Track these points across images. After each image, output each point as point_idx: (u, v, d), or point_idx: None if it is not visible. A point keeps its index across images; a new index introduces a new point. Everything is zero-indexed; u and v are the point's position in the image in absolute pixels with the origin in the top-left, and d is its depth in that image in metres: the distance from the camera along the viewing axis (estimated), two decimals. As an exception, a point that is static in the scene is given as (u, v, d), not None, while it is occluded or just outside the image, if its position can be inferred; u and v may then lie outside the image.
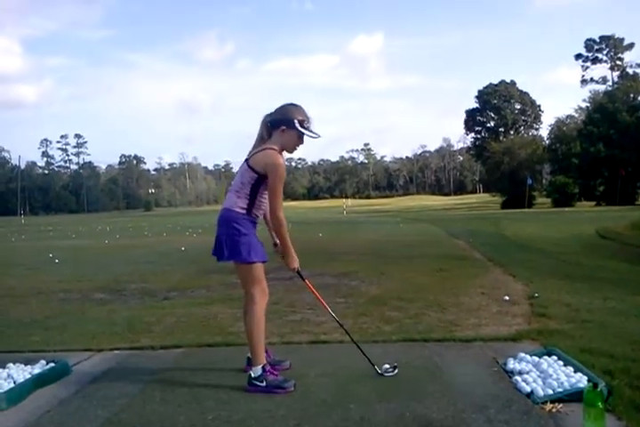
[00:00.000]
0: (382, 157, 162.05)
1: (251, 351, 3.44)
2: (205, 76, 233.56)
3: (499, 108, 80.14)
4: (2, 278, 9.53)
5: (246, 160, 3.46)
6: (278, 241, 3.58)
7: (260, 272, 3.49)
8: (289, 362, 3.75)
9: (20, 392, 3.29)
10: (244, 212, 3.42)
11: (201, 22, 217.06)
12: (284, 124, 3.42)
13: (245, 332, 3.50)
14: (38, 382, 3.48)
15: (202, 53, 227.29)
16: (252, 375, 3.33)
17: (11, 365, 3.71)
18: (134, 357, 4.18)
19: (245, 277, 3.50)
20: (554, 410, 2.82)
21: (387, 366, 3.51)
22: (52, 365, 3.74)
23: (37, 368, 3.68)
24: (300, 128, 3.41)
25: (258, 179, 3.38)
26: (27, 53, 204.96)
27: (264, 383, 3.30)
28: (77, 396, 3.31)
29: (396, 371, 3.48)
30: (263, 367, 3.36)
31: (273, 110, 3.52)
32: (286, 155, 3.56)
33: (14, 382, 3.40)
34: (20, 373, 3.57)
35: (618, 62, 73.17)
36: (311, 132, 3.46)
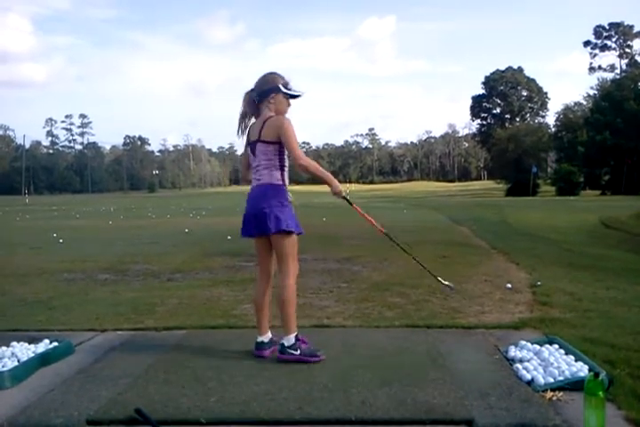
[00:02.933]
0: (387, 143, 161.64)
1: (284, 321, 3.54)
2: (212, 57, 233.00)
3: (505, 94, 79.80)
4: (6, 258, 9.58)
5: (256, 141, 3.55)
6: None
7: (297, 246, 3.58)
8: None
9: (23, 371, 3.31)
10: (280, 183, 3.56)
11: (210, 2, 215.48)
12: (272, 92, 3.57)
13: (278, 304, 3.56)
14: (42, 360, 3.50)
15: (209, 35, 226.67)
16: (286, 344, 3.46)
17: (15, 343, 3.73)
18: (137, 337, 4.20)
19: (287, 249, 3.53)
20: (554, 398, 2.83)
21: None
22: (56, 344, 3.77)
23: (41, 347, 3.70)
24: (285, 91, 3.59)
25: (279, 147, 3.52)
26: (34, 32, 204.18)
27: (298, 351, 3.45)
28: (80, 375, 3.33)
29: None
30: (296, 336, 3.48)
31: (253, 86, 3.64)
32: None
33: (18, 361, 3.42)
34: (24, 351, 3.59)
35: (627, 50, 72.61)
36: (295, 91, 3.65)
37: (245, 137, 3.70)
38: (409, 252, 4.08)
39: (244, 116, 3.69)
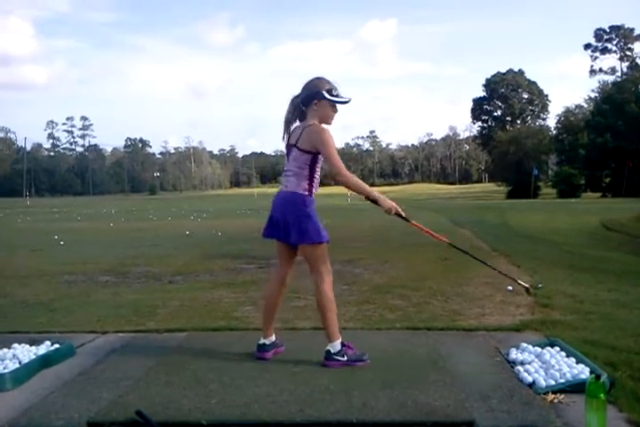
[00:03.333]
0: (388, 145, 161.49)
1: (325, 328, 3.52)
2: (212, 60, 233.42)
3: (506, 97, 79.77)
4: (7, 260, 9.59)
5: (294, 145, 3.52)
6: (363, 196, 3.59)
7: (326, 252, 3.54)
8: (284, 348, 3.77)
9: (25, 373, 3.31)
10: (307, 193, 3.51)
11: (210, 5, 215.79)
12: (315, 99, 3.49)
13: (318, 310, 3.57)
14: (43, 362, 3.50)
15: (209, 37, 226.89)
16: (332, 351, 3.43)
17: (16, 345, 3.73)
18: (139, 339, 4.20)
19: (315, 257, 3.51)
20: (555, 401, 2.83)
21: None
22: (57, 346, 3.77)
23: (42, 349, 3.70)
24: (329, 97, 3.48)
25: (313, 158, 3.48)
26: (35, 35, 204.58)
27: (345, 358, 3.43)
28: (82, 377, 3.33)
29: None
30: (342, 342, 3.47)
31: (299, 91, 3.58)
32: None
33: (19, 363, 3.42)
34: (26, 353, 3.59)
35: (627, 53, 72.59)
36: (341, 97, 3.54)
37: (285, 137, 3.67)
38: (482, 259, 3.96)
39: (287, 123, 3.62)
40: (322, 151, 3.43)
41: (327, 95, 3.47)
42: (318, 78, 3.56)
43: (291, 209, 3.49)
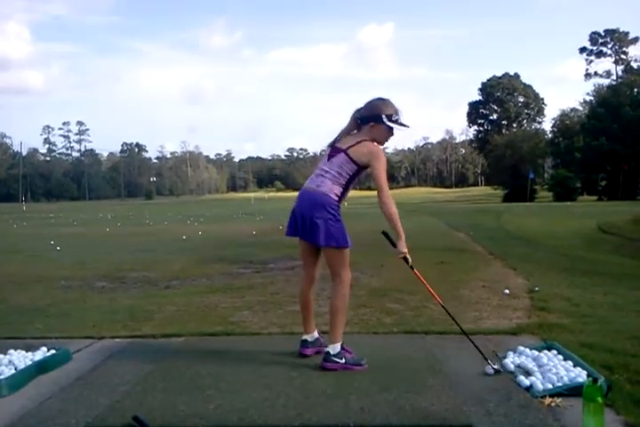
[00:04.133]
0: (384, 149, 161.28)
1: (331, 328, 3.54)
2: (209, 64, 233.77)
3: (502, 100, 79.96)
4: (3, 265, 9.57)
5: (343, 151, 3.51)
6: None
7: (348, 256, 3.58)
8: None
9: (21, 379, 3.30)
10: (337, 199, 3.53)
11: (207, 10, 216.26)
12: (372, 121, 3.51)
13: (330, 311, 3.59)
14: (39, 368, 3.49)
15: (207, 42, 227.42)
16: (331, 352, 3.45)
17: (12, 351, 3.72)
18: (135, 345, 4.18)
19: (337, 260, 3.55)
20: (553, 404, 2.83)
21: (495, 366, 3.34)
22: (54, 352, 3.75)
23: (39, 355, 3.68)
24: (388, 123, 3.50)
25: (357, 170, 3.51)
26: (32, 40, 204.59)
27: (343, 360, 3.44)
28: (78, 383, 3.32)
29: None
30: (341, 345, 3.49)
31: (362, 105, 3.59)
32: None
33: (15, 369, 3.40)
34: (22, 359, 3.57)
35: (622, 56, 72.90)
36: (401, 124, 3.55)
37: (332, 141, 3.66)
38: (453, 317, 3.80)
39: (345, 133, 3.63)
40: (376, 170, 3.44)
41: (386, 121, 3.49)
42: (383, 100, 3.57)
43: (321, 211, 3.48)
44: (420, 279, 3.65)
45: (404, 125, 3.57)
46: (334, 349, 3.46)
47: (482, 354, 3.41)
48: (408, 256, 3.54)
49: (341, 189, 3.53)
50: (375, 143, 3.52)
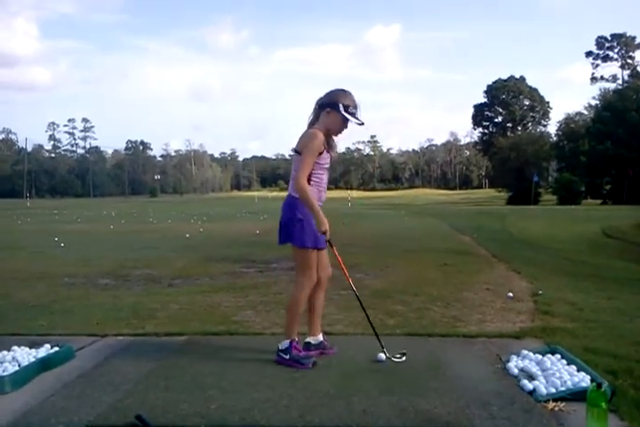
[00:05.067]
0: (388, 150, 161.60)
1: (285, 326, 3.67)
2: (216, 63, 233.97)
3: (507, 103, 79.92)
4: (7, 262, 9.58)
5: (295, 150, 3.58)
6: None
7: (313, 258, 3.59)
8: (336, 349, 3.83)
9: (24, 376, 3.30)
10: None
11: (214, 9, 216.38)
12: (329, 107, 3.54)
13: (286, 309, 3.73)
14: (43, 365, 3.50)
15: (213, 40, 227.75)
16: (280, 347, 3.59)
17: (15, 348, 3.73)
18: (138, 343, 4.19)
19: (298, 261, 3.63)
20: (556, 409, 2.82)
21: (397, 355, 3.56)
22: (57, 349, 3.76)
23: (42, 352, 3.69)
24: (343, 112, 3.51)
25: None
26: (39, 37, 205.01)
27: (287, 356, 3.54)
28: (81, 381, 3.32)
29: (404, 358, 3.55)
30: (290, 342, 3.56)
31: (323, 94, 3.63)
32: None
33: (19, 366, 3.41)
34: (25, 356, 3.58)
35: (629, 61, 72.80)
36: (355, 118, 3.56)
37: None
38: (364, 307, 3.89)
39: (310, 125, 3.65)
40: (302, 155, 3.46)
41: (342, 110, 3.50)
42: (344, 91, 3.60)
43: (286, 212, 3.57)
44: (337, 259, 3.67)
45: (358, 120, 3.56)
46: (283, 345, 3.59)
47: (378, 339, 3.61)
48: (327, 233, 3.50)
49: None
50: (316, 131, 3.50)
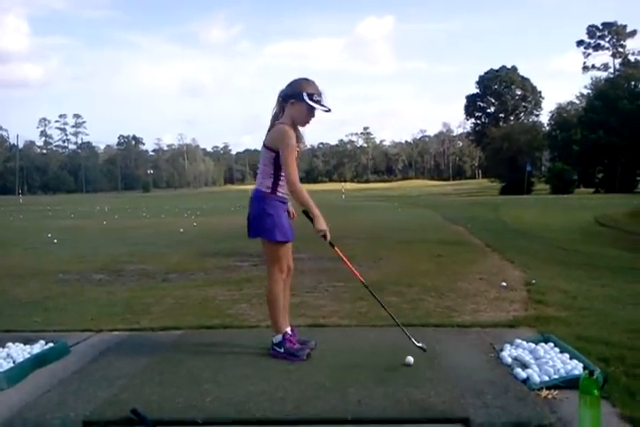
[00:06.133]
0: (382, 142, 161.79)
1: (272, 321, 3.67)
2: (207, 57, 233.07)
3: (499, 93, 79.94)
4: (1, 258, 9.55)
5: (263, 144, 3.55)
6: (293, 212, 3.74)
7: (283, 252, 3.59)
8: (314, 342, 3.76)
9: (19, 372, 3.30)
10: (269, 191, 3.53)
11: (205, 3, 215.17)
12: (293, 98, 3.49)
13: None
14: (37, 362, 3.49)
15: (205, 35, 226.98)
16: (274, 342, 3.61)
17: (10, 344, 3.73)
18: (133, 338, 4.19)
19: (268, 254, 3.63)
20: (549, 396, 2.84)
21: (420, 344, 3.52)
22: (51, 345, 3.76)
23: (37, 348, 3.69)
24: (308, 101, 3.45)
25: (276, 157, 3.48)
26: (30, 33, 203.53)
27: (282, 349, 3.56)
28: (76, 376, 3.32)
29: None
30: (283, 335, 3.59)
31: (285, 86, 3.58)
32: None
33: (13, 362, 3.41)
34: (20, 352, 3.58)
35: (620, 49, 72.83)
36: (321, 105, 3.50)
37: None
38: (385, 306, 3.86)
39: (274, 117, 3.61)
40: (281, 155, 3.43)
41: (307, 99, 3.45)
42: (307, 80, 3.55)
43: (255, 206, 3.56)
44: (342, 259, 3.68)
45: (325, 107, 3.51)
46: (276, 339, 3.61)
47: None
48: (328, 234, 3.50)
49: (273, 180, 3.51)
50: (286, 126, 3.46)
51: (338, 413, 2.68)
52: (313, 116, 3.56)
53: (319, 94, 3.50)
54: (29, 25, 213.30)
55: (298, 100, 3.47)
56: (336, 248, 3.63)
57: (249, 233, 3.61)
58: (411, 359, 3.35)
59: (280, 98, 3.57)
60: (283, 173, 3.50)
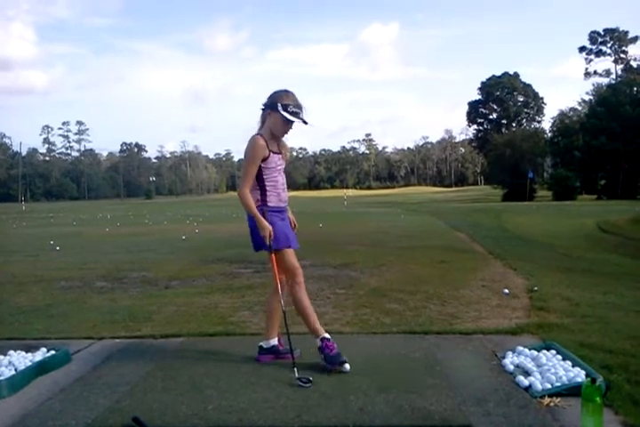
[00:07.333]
0: (384, 148, 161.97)
1: (307, 327, 3.64)
2: (210, 65, 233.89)
3: (501, 100, 79.96)
4: (3, 265, 9.56)
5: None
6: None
7: (288, 258, 3.59)
8: (299, 351, 3.68)
9: (21, 380, 3.30)
10: (260, 203, 3.54)
11: (209, 11, 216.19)
12: (270, 108, 3.52)
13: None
14: (39, 369, 3.49)
15: (208, 42, 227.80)
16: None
17: (12, 352, 3.72)
18: (135, 345, 4.19)
19: (271, 264, 3.63)
20: (552, 404, 2.83)
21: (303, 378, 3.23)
22: (53, 352, 3.76)
23: (38, 356, 3.69)
24: (282, 112, 3.45)
25: (259, 169, 3.50)
26: (35, 41, 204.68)
27: (322, 355, 3.50)
28: (78, 384, 3.32)
29: (308, 385, 3.17)
30: (322, 340, 3.55)
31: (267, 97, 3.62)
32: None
33: (15, 370, 3.41)
34: (21, 360, 3.58)
35: (622, 55, 72.94)
36: (296, 117, 3.48)
37: None
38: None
39: (259, 128, 3.63)
40: (243, 164, 3.49)
41: (281, 110, 3.45)
42: (286, 92, 3.54)
43: (249, 220, 3.59)
44: (272, 264, 3.62)
45: (299, 119, 3.49)
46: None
47: None
48: (269, 238, 3.49)
49: (260, 191, 3.53)
50: (257, 137, 3.48)
51: (339, 420, 2.68)
52: (290, 126, 3.55)
53: (296, 106, 3.48)
54: (35, 33, 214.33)
55: (273, 110, 3.48)
56: (273, 256, 3.58)
57: (253, 246, 3.68)
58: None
59: (261, 109, 3.60)
60: (269, 184, 3.53)
